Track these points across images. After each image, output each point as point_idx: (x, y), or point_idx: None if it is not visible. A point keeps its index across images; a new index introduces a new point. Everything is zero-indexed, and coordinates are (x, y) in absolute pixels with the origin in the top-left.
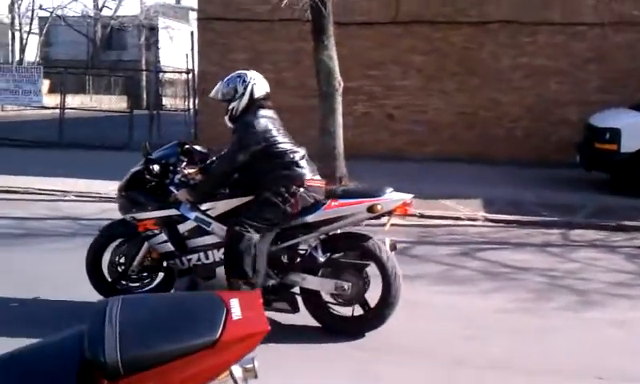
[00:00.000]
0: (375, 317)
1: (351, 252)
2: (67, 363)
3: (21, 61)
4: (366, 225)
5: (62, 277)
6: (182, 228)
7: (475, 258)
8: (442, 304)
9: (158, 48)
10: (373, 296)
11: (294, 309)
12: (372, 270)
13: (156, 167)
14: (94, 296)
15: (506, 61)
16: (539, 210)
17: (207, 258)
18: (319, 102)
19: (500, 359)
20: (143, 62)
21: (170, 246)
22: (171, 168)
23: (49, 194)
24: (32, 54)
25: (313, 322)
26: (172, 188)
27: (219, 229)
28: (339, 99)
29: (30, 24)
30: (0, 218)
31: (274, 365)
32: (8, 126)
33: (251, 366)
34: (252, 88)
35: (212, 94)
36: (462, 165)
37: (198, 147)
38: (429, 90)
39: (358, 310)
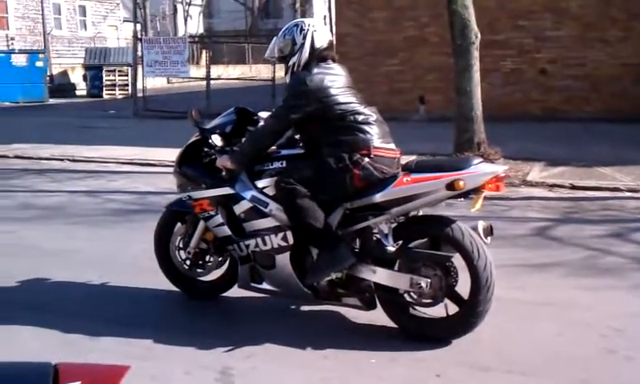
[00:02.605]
0: (461, 321)
1: (429, 240)
2: None
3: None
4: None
5: (143, 258)
6: (238, 209)
7: (631, 241)
8: (578, 302)
9: (294, 11)
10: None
11: (369, 306)
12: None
13: (216, 138)
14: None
15: None
16: None
17: (265, 244)
18: (454, 58)
19: None
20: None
21: (226, 230)
22: (235, 139)
23: None
24: (194, 26)
25: (390, 323)
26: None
27: (277, 210)
28: (476, 54)
29: None
30: (124, 192)
31: (328, 377)
32: (167, 98)
33: None
34: (312, 36)
35: (267, 53)
36: (627, 125)
37: (264, 114)
38: (587, 39)
39: (453, 310)
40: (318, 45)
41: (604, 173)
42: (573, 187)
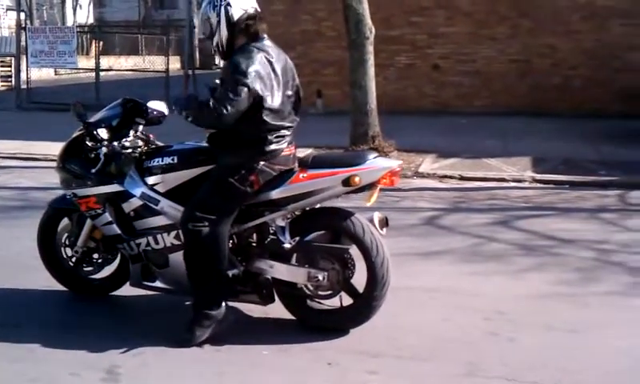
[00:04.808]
0: (357, 311)
1: (328, 233)
2: None
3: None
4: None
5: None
6: (127, 207)
7: (514, 228)
8: (465, 288)
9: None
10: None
11: (267, 300)
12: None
13: (102, 132)
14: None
15: (563, 1)
16: (596, 168)
17: (157, 242)
18: (349, 52)
19: (523, 367)
20: (195, 20)
21: (115, 229)
22: (124, 131)
23: None
24: (84, 15)
25: (288, 315)
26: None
27: (170, 208)
28: (370, 49)
29: None
30: (5, 187)
31: (222, 371)
32: (54, 90)
33: None
34: (226, 11)
35: (198, 32)
36: (513, 118)
37: (154, 105)
38: (478, 36)
39: (348, 301)
40: (236, 17)
41: (491, 164)
42: (462, 178)
